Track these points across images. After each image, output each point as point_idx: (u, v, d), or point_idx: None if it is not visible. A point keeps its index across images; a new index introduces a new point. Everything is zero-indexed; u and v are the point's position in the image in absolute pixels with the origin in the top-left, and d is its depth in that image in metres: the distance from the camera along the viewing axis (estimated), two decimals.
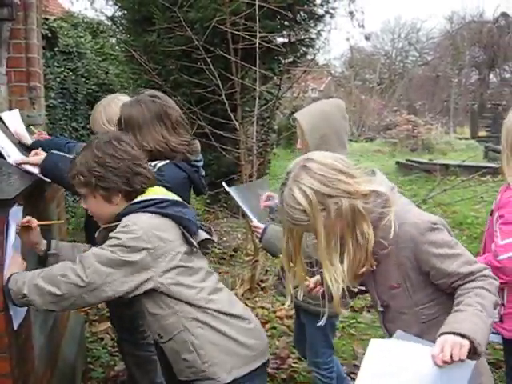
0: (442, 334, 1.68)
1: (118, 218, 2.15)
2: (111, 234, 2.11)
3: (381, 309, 2.10)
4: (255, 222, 3.02)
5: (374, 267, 1.98)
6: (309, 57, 8.53)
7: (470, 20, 35.95)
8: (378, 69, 29.24)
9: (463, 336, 1.64)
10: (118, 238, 2.07)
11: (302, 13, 7.91)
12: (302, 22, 8.07)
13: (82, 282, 2.03)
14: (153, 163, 2.58)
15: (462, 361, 1.62)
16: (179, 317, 2.14)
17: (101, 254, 2.07)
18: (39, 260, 2.40)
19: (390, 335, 1.92)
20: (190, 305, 2.15)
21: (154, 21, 7.33)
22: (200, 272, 2.23)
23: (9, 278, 2.11)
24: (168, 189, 2.41)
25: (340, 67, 34.10)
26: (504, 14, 34.84)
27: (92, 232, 2.41)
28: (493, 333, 2.82)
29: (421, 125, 17.18)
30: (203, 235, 2.31)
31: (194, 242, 2.21)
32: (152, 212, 2.14)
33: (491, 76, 35.55)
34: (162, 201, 2.19)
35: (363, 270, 1.97)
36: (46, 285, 2.04)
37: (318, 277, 2.22)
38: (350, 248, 1.91)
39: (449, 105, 27.67)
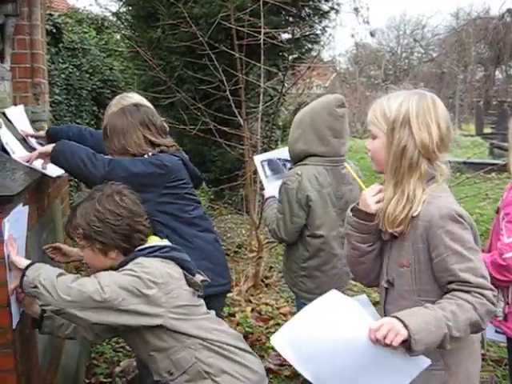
0: (393, 316, 1.73)
1: (124, 263, 2.16)
2: (124, 268, 2.12)
3: (385, 285, 2.04)
4: (265, 191, 3.42)
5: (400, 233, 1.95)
6: (313, 53, 8.51)
7: (476, 16, 35.78)
8: (383, 65, 29.18)
9: (406, 327, 1.67)
10: (132, 270, 2.08)
11: (306, 9, 7.89)
12: (307, 18, 8.06)
13: (99, 297, 1.99)
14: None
15: (392, 347, 1.66)
16: (190, 350, 2.15)
17: (117, 278, 2.06)
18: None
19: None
20: (199, 337, 2.16)
21: (159, 17, 7.33)
22: (203, 308, 2.28)
23: (30, 264, 2.08)
24: (168, 168, 2.63)
25: (345, 64, 34.02)
26: (510, 11, 34.67)
27: None
28: (497, 332, 2.82)
29: None
30: (200, 277, 2.32)
31: (197, 281, 2.25)
32: (157, 256, 2.17)
33: (497, 73, 35.42)
34: (164, 247, 2.24)
35: (399, 229, 1.93)
36: (59, 288, 2.00)
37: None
38: (405, 190, 1.91)
39: (454, 101, 27.61)
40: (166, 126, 2.93)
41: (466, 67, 33.56)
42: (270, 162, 3.43)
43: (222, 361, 2.17)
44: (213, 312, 2.35)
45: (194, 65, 6.90)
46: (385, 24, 44.55)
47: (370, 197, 2.00)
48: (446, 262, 1.84)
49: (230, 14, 5.41)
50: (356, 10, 13.70)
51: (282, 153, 3.51)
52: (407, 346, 1.68)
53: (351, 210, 2.07)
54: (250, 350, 2.33)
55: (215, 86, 5.80)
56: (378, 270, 2.12)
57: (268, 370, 3.98)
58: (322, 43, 8.65)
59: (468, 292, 1.80)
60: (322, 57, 14.59)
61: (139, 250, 2.20)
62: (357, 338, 1.72)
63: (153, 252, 2.18)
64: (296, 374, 3.94)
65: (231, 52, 5.41)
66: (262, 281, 5.58)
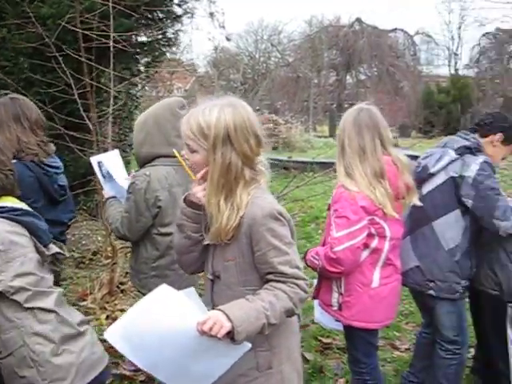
0: (218, 309, 1.85)
1: None
2: None
3: (210, 277, 2.15)
4: (104, 192, 3.45)
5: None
6: (169, 56, 8.52)
7: (328, 24, 37.65)
8: (241, 69, 29.79)
9: (230, 320, 1.81)
10: None
11: (159, 12, 7.88)
12: (159, 22, 8.04)
13: None
14: None
15: (217, 338, 1.79)
16: (20, 331, 2.09)
17: None
18: None
19: (214, 307, 2.00)
20: (34, 314, 2.10)
21: (4, 15, 6.98)
22: (49, 282, 2.21)
23: None
24: None
25: (205, 67, 34.29)
26: (359, 20, 36.91)
27: None
28: (337, 321, 3.02)
29: (281, 124, 17.72)
30: (54, 249, 2.27)
31: (47, 252, 2.19)
32: (5, 218, 2.10)
33: (348, 77, 37.47)
34: (15, 209, 2.16)
35: (231, 235, 2.02)
36: None
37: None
38: (235, 202, 2.00)
39: (308, 104, 28.83)
40: (44, 119, 2.87)
41: (320, 72, 35.16)
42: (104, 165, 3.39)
43: (50, 348, 2.11)
44: (60, 290, 2.29)
45: (43, 67, 6.65)
46: (243, 29, 45.42)
47: (201, 191, 2.08)
48: (267, 255, 1.99)
49: (77, 15, 5.28)
50: (211, 14, 13.86)
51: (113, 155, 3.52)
52: (231, 336, 1.82)
53: (184, 201, 2.16)
54: (91, 330, 2.31)
55: (63, 89, 5.63)
56: (203, 259, 2.23)
57: (123, 377, 3.97)
58: (180, 47, 8.69)
59: (284, 282, 1.97)
60: (182, 60, 14.63)
61: None
62: (184, 329, 1.82)
63: (1, 213, 2.10)
64: (151, 379, 3.94)
65: (76, 55, 5.28)
66: (118, 287, 5.49)
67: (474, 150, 3.13)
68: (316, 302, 3.14)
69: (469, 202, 3.06)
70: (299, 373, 2.25)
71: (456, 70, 38.92)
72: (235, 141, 1.98)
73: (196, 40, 34.43)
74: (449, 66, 40.33)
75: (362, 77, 38.26)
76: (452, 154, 3.14)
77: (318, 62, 32.88)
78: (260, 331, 1.89)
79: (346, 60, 36.50)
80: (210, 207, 2.03)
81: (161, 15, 8.04)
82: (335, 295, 2.91)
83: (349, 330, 3.01)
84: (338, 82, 37.36)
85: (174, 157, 3.10)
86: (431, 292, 3.16)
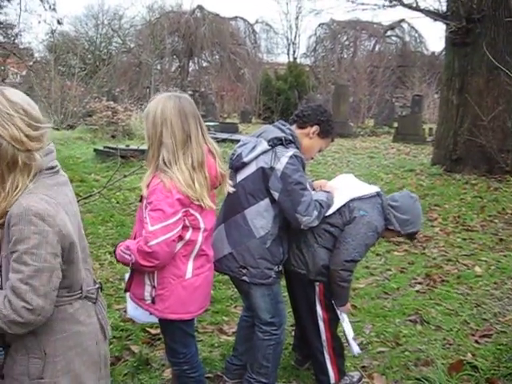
0: None
1: None
2: None
3: None
4: None
5: None
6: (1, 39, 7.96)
7: (170, 10, 37.40)
8: (80, 54, 28.59)
9: None
10: None
11: None
12: None
13: None
14: None
15: None
16: None
17: None
18: None
19: None
20: None
21: None
22: None
23: None
24: None
25: (43, 51, 32.41)
26: (200, 7, 37.10)
27: None
28: (152, 314, 2.95)
29: (120, 111, 17.18)
30: None
31: None
32: None
33: (190, 64, 37.53)
34: None
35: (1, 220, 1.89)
36: None
37: None
38: (7, 187, 1.88)
39: (150, 91, 28.43)
40: None
41: (162, 58, 34.80)
42: None
43: None
44: None
45: None
46: (82, 12, 43.50)
47: None
48: (10, 257, 1.86)
49: None
50: None
51: None
52: None
53: None
54: None
55: None
56: None
57: None
58: (13, 29, 8.13)
59: (5, 295, 1.85)
60: (17, 43, 13.80)
61: None
62: None
63: None
64: None
65: None
66: None
67: (285, 142, 3.19)
68: (128, 296, 3.04)
69: (275, 195, 3.14)
70: None
71: (294, 58, 40.49)
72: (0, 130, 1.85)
73: (34, 23, 32.60)
74: (288, 54, 41.89)
75: (205, 64, 38.53)
76: (264, 145, 3.19)
77: (160, 48, 32.51)
78: None
79: (188, 47, 36.52)
80: None
81: None
82: (148, 288, 2.85)
83: (164, 323, 2.98)
84: (181, 69, 37.26)
85: None
86: (245, 278, 3.23)
